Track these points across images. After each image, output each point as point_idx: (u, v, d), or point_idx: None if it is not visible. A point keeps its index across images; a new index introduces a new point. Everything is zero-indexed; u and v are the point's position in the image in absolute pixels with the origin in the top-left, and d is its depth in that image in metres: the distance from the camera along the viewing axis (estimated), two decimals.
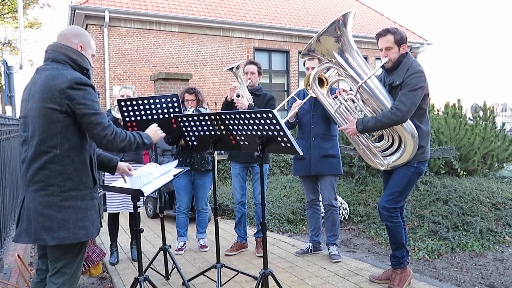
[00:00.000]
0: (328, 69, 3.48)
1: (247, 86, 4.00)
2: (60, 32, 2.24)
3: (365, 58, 3.43)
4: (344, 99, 3.22)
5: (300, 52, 14.37)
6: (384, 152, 3.20)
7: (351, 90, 3.26)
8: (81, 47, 2.21)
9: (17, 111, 8.09)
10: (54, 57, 2.14)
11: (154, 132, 2.52)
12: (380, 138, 3.27)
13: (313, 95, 3.60)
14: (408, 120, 3.00)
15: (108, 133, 2.09)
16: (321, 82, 3.45)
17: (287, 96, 14.26)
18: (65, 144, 2.05)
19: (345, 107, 3.23)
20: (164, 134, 2.64)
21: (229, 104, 3.92)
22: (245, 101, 3.81)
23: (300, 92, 4.02)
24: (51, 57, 2.15)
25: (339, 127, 3.30)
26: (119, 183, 2.67)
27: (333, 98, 3.31)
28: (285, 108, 4.12)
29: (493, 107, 7.72)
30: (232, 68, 3.90)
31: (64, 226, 2.03)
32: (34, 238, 2.04)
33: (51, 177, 2.03)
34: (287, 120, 3.80)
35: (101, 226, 2.31)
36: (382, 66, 3.15)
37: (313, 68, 3.75)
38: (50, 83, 2.02)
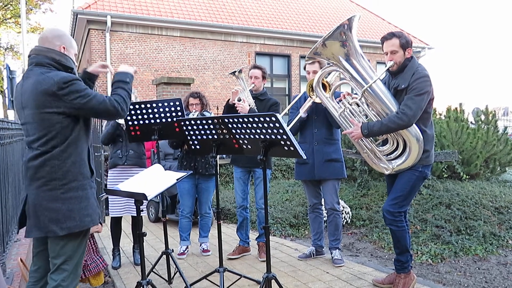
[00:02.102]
0: (329, 73, 3.49)
1: (250, 91, 3.99)
2: (41, 36, 2.28)
3: None
4: (349, 102, 3.22)
5: (301, 57, 14.54)
6: (388, 156, 3.19)
7: (355, 93, 3.26)
8: (64, 48, 2.27)
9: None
10: (38, 61, 2.19)
11: (129, 68, 2.55)
12: (385, 142, 3.26)
13: (316, 99, 3.60)
14: (413, 124, 3.00)
15: (114, 105, 2.23)
16: (323, 86, 3.45)
17: (289, 100, 14.28)
18: (64, 142, 2.16)
19: (350, 110, 3.22)
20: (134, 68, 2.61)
21: (230, 108, 3.92)
22: (246, 105, 3.81)
23: (301, 97, 4.01)
24: (35, 61, 2.20)
25: (343, 130, 3.29)
26: (122, 186, 2.68)
27: (338, 102, 3.31)
28: (287, 113, 4.11)
29: (494, 111, 7.71)
30: (235, 72, 3.91)
31: (70, 216, 2.15)
32: (45, 231, 2.14)
33: (52, 172, 2.14)
34: (300, 115, 3.77)
35: (104, 217, 2.41)
36: (387, 70, 3.15)
37: (314, 72, 3.75)
38: (39, 89, 2.09)
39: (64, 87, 2.10)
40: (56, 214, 2.12)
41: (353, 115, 3.22)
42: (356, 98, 3.18)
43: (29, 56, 2.25)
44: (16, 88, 2.27)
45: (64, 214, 2.13)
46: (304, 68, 3.95)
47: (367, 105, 3.18)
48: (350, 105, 3.22)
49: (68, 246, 2.20)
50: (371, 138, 3.22)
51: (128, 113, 3.35)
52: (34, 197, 2.15)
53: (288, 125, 3.73)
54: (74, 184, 2.17)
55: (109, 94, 4.17)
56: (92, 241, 3.29)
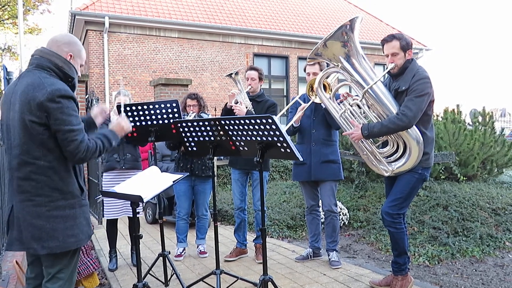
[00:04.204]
0: (329, 75, 3.49)
1: (248, 92, 3.99)
2: (52, 38, 2.18)
3: None
4: (349, 104, 3.22)
5: (299, 58, 14.54)
6: (388, 158, 3.19)
7: (356, 95, 3.26)
8: (71, 56, 2.16)
9: None
10: (38, 63, 2.08)
11: (119, 128, 2.41)
12: (385, 144, 3.26)
13: (317, 100, 3.60)
14: (413, 126, 3.00)
15: (81, 151, 2.05)
16: (323, 87, 3.46)
17: (287, 102, 14.29)
18: (49, 155, 2.04)
19: (351, 112, 3.22)
20: (130, 126, 2.50)
21: (228, 111, 3.91)
22: (243, 107, 3.81)
23: (300, 98, 4.00)
24: (36, 62, 2.09)
25: (344, 132, 3.29)
26: (119, 188, 2.67)
27: (338, 103, 3.31)
28: (285, 114, 4.11)
29: (492, 112, 7.72)
30: (231, 74, 3.90)
31: (53, 236, 2.04)
32: (26, 246, 2.06)
33: (38, 188, 2.03)
34: (292, 124, 3.78)
35: (92, 233, 2.31)
36: (388, 72, 3.16)
37: (314, 74, 3.75)
38: (29, 94, 1.98)
39: (54, 101, 1.97)
40: (39, 232, 2.02)
41: (353, 116, 3.22)
42: (357, 99, 3.19)
43: (32, 56, 2.13)
44: (9, 85, 2.16)
45: (48, 233, 2.02)
46: (304, 70, 3.95)
47: (368, 106, 3.19)
48: (351, 106, 3.22)
49: (62, 258, 2.12)
50: (371, 139, 3.22)
51: (125, 114, 3.33)
52: (19, 211, 2.05)
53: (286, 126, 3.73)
54: (61, 202, 2.06)
55: (107, 97, 4.13)
56: None
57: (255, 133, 2.56)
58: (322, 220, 4.44)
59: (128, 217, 4.18)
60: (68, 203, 2.09)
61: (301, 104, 3.83)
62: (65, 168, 2.09)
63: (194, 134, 2.97)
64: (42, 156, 2.03)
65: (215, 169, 7.39)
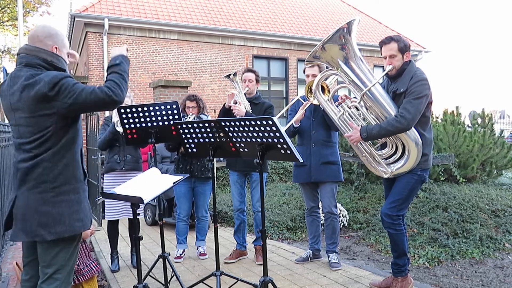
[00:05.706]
0: (327, 77, 3.49)
1: (245, 94, 4.01)
2: (32, 34, 2.17)
3: None
4: (348, 106, 3.22)
5: (299, 60, 14.55)
6: (387, 160, 3.20)
7: (354, 97, 3.27)
8: (56, 48, 2.17)
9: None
10: (28, 62, 2.09)
11: (120, 49, 2.34)
12: (383, 146, 3.27)
13: (315, 101, 3.61)
14: (412, 127, 3.01)
15: (105, 91, 2.05)
16: (322, 89, 3.46)
17: (286, 104, 14.29)
18: (57, 144, 2.08)
19: (349, 114, 3.23)
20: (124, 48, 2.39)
21: (226, 111, 3.92)
22: (242, 108, 3.82)
23: (298, 100, 4.01)
24: (25, 61, 2.10)
25: (343, 134, 3.29)
26: (119, 190, 2.67)
27: (337, 105, 3.31)
28: (284, 115, 4.12)
29: (491, 114, 7.72)
30: (230, 75, 3.92)
31: (60, 220, 2.06)
32: (32, 235, 2.06)
33: (43, 175, 2.05)
34: (292, 124, 3.78)
35: (101, 220, 2.32)
36: (386, 74, 3.16)
37: (313, 75, 3.75)
38: (31, 93, 2.01)
39: (54, 87, 2.01)
40: (45, 218, 2.03)
41: (352, 118, 3.23)
42: (355, 101, 3.19)
43: (18, 55, 2.15)
44: (2, 87, 2.17)
45: (54, 218, 2.04)
46: (304, 72, 3.95)
47: (366, 108, 3.19)
48: (349, 108, 3.23)
49: (60, 256, 2.11)
50: (370, 141, 3.23)
51: (125, 116, 3.34)
52: (24, 200, 2.06)
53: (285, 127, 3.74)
54: (66, 187, 2.09)
55: None
56: (84, 245, 3.26)
57: (255, 134, 2.56)
58: (322, 222, 4.44)
59: (128, 219, 4.18)
60: (72, 188, 2.12)
61: (302, 104, 3.83)
62: (70, 153, 2.13)
63: (194, 135, 2.97)
64: (53, 146, 2.07)
65: (215, 170, 7.38)
